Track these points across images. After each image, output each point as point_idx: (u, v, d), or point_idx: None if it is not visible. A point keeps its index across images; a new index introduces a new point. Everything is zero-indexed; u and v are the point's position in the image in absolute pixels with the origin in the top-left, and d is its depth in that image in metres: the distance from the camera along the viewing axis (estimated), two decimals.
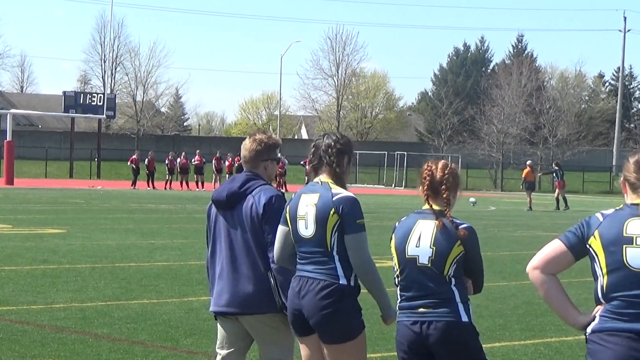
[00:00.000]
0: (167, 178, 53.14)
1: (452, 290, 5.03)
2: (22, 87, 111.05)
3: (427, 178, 5.16)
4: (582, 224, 4.48)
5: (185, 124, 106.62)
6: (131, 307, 11.34)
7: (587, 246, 4.42)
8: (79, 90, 77.79)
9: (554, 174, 42.66)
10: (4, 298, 11.86)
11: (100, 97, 67.16)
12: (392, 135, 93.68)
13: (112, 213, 29.05)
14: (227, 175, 48.26)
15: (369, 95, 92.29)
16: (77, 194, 41.93)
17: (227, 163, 51.54)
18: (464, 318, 5.01)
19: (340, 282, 5.46)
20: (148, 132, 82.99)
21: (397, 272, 5.15)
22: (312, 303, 5.47)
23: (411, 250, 5.07)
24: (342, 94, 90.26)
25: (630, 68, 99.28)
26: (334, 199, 5.51)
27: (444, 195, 5.12)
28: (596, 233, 4.40)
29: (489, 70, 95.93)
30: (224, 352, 6.16)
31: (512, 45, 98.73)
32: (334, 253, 5.48)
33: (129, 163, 54.22)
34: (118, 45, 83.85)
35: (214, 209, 6.17)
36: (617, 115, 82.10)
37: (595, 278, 4.43)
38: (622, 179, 4.54)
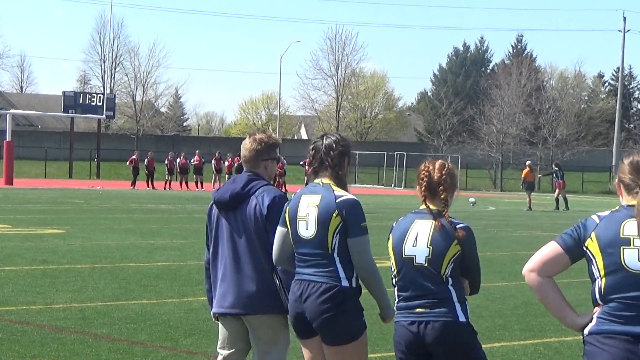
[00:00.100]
0: (166, 178, 53.14)
1: (449, 290, 5.03)
2: (21, 87, 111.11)
3: (425, 179, 5.15)
4: (578, 226, 4.48)
5: (184, 124, 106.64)
6: (131, 308, 11.35)
7: (584, 248, 4.42)
8: (78, 91, 77.70)
9: (554, 175, 42.68)
10: (3, 298, 11.87)
11: (100, 97, 67.10)
12: (392, 135, 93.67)
13: (112, 213, 29.05)
14: (226, 176, 48.26)
15: (369, 96, 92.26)
16: (77, 194, 41.91)
17: (226, 163, 51.47)
18: (462, 318, 5.02)
19: (342, 284, 5.44)
20: (148, 132, 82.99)
21: (395, 272, 5.15)
22: (314, 306, 5.44)
23: (408, 250, 5.07)
24: (342, 94, 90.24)
25: (630, 68, 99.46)
26: (337, 201, 5.48)
27: (442, 196, 5.11)
28: (593, 235, 4.40)
29: (488, 71, 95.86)
30: (225, 352, 6.15)
31: (512, 46, 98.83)
32: (335, 255, 5.46)
33: (127, 163, 54.23)
34: (117, 46, 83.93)
35: (215, 210, 6.12)
36: (617, 115, 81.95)
37: (593, 280, 4.43)
38: (616, 180, 4.54)
